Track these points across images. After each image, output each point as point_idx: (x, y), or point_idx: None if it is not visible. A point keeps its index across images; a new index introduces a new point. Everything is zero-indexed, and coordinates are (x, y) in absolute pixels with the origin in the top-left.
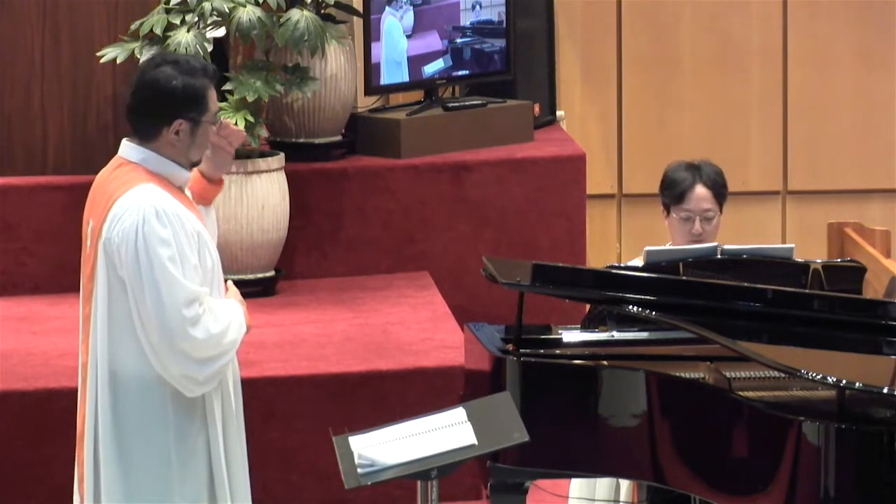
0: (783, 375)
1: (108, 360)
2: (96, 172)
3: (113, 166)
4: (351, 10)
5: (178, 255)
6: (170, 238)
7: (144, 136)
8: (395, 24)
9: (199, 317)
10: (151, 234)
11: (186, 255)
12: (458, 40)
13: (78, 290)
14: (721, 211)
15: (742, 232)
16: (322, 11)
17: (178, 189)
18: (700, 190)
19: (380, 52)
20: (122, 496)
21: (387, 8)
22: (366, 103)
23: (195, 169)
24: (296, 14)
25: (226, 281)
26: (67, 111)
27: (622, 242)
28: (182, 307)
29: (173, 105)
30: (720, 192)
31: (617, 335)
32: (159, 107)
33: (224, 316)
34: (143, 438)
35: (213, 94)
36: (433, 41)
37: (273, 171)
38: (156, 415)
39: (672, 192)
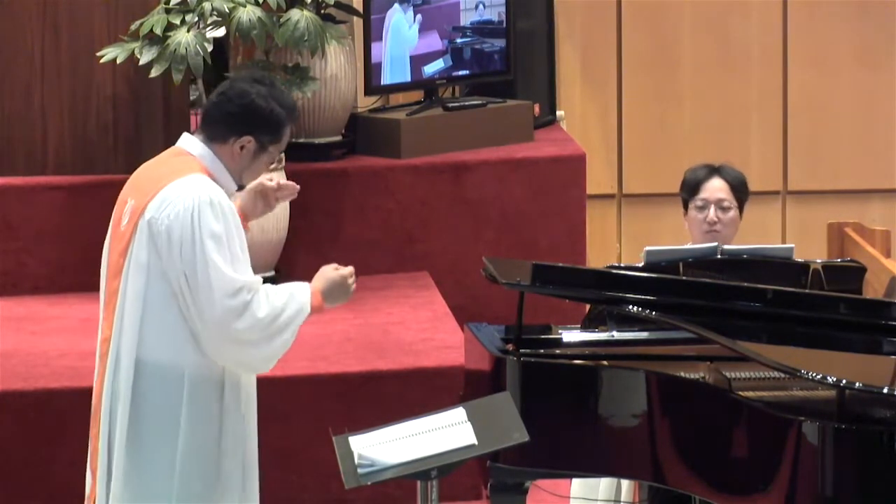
0: (783, 375)
1: (135, 340)
2: (96, 172)
3: (170, 154)
4: (351, 10)
5: (227, 246)
6: (221, 231)
7: (211, 136)
8: (402, 20)
9: (246, 304)
10: (204, 222)
11: (235, 245)
12: (458, 40)
13: (78, 289)
14: (740, 212)
15: (742, 232)
16: (322, 11)
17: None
18: (716, 181)
19: (380, 51)
20: (134, 477)
21: (396, 5)
22: (366, 103)
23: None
24: (296, 14)
25: None
26: (67, 111)
27: (622, 242)
28: (227, 299)
29: (251, 121)
30: (738, 188)
31: (617, 335)
32: (238, 116)
33: (279, 298)
34: (157, 423)
35: (288, 132)
36: (433, 41)
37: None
38: (170, 403)
39: (689, 185)
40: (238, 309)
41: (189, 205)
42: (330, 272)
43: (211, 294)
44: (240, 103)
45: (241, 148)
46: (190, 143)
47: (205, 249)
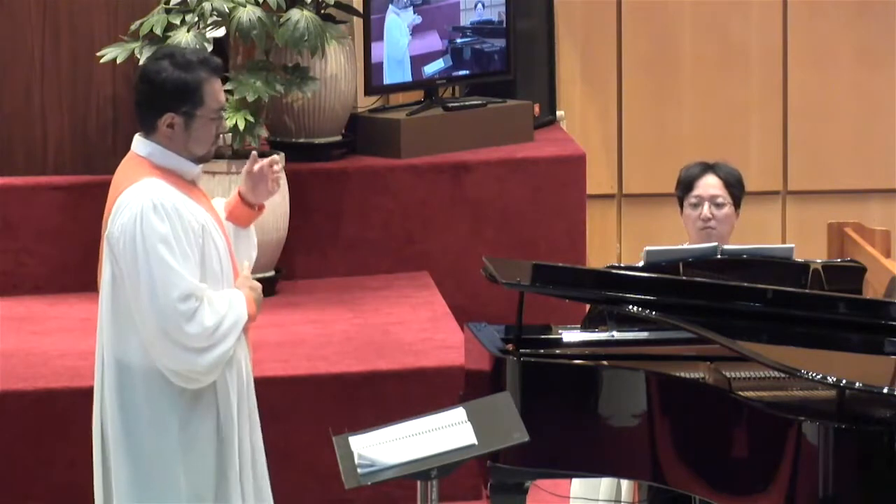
0: (783, 375)
1: (113, 350)
2: (96, 172)
3: (126, 159)
4: (351, 10)
5: (176, 250)
6: (167, 233)
7: (145, 128)
8: (396, 21)
9: (194, 311)
10: (149, 228)
11: (185, 249)
12: (458, 40)
13: (78, 289)
14: (737, 209)
15: (742, 232)
16: (322, 11)
17: (188, 183)
18: (710, 178)
19: (381, 51)
20: (132, 485)
21: (390, 6)
22: (366, 103)
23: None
24: (296, 14)
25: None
26: (67, 111)
27: (622, 242)
28: (177, 302)
29: (162, 98)
30: (733, 184)
31: (617, 335)
32: (151, 100)
33: (221, 306)
34: (150, 427)
35: (211, 88)
36: (433, 41)
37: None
38: (162, 404)
39: (683, 183)
40: (187, 314)
41: (133, 213)
42: (252, 281)
43: (167, 295)
44: (145, 86)
45: (169, 126)
46: (138, 145)
47: (159, 254)
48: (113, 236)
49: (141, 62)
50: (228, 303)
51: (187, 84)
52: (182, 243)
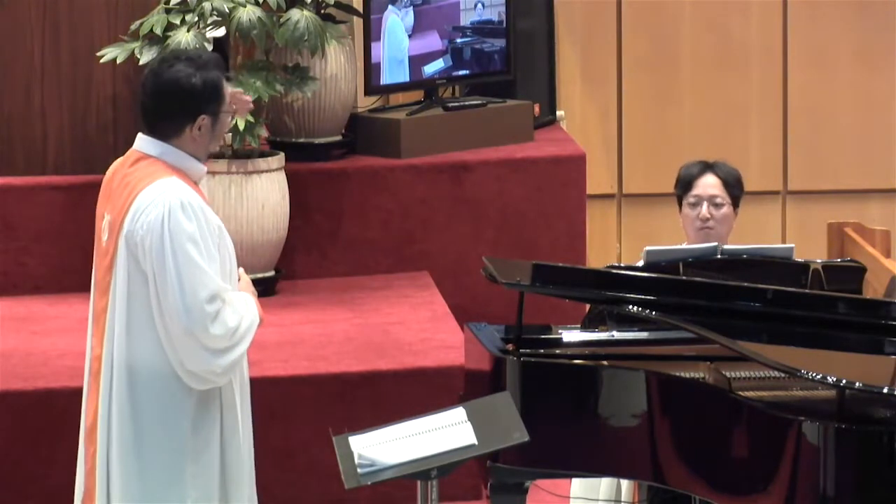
0: (783, 375)
1: (125, 353)
2: (96, 172)
3: (130, 160)
4: (351, 10)
5: (203, 250)
6: (195, 232)
7: (165, 134)
8: (397, 22)
9: (219, 312)
10: (177, 227)
11: (210, 249)
12: (458, 40)
13: (78, 289)
14: (735, 208)
15: (742, 232)
16: (322, 11)
17: (194, 183)
18: (709, 177)
19: (380, 51)
20: (138, 490)
21: (389, 6)
22: (366, 103)
23: None
24: (296, 14)
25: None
26: (67, 111)
27: (622, 242)
28: (205, 303)
29: (196, 102)
30: (732, 184)
31: (617, 335)
32: (182, 105)
33: (240, 307)
34: (161, 431)
35: (225, 84)
36: (433, 41)
37: (273, 171)
38: (174, 408)
39: (682, 182)
40: (213, 315)
41: (160, 212)
42: (251, 286)
43: (196, 295)
44: (178, 92)
45: (199, 128)
46: (147, 146)
47: (188, 253)
48: (137, 235)
49: (148, 69)
50: (245, 304)
51: (215, 83)
52: (208, 243)
